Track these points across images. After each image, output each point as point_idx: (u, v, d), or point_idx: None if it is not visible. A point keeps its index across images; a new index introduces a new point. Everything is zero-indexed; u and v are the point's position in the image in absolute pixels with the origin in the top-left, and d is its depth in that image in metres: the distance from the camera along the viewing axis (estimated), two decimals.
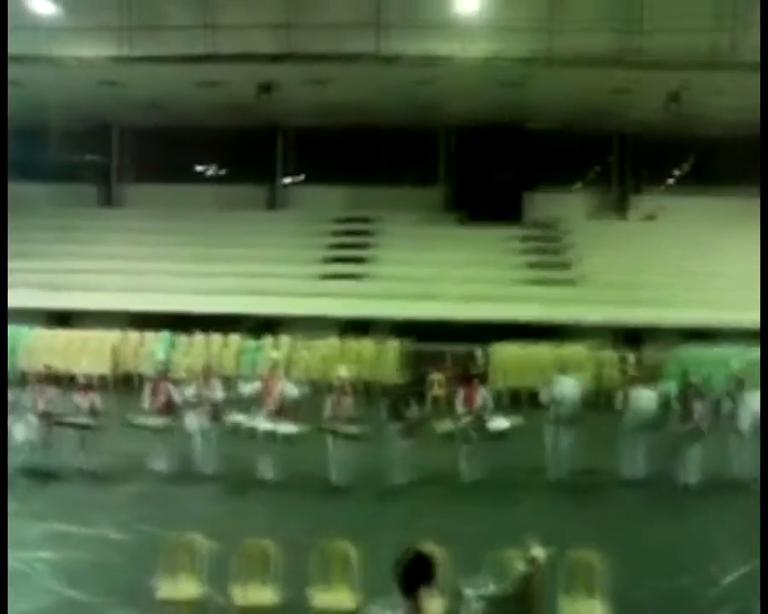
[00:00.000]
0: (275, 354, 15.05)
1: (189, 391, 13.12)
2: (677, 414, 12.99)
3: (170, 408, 13.04)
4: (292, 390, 12.98)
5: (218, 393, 13.11)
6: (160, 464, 12.78)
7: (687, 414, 12.86)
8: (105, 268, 22.90)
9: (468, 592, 6.06)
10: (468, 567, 6.60)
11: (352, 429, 12.39)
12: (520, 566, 6.04)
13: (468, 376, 13.51)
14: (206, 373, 13.37)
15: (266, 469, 12.44)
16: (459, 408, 12.90)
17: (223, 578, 7.59)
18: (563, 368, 13.92)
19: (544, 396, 13.32)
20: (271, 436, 12.35)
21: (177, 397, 13.12)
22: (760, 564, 3.47)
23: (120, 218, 26.29)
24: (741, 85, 20.32)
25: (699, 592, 8.79)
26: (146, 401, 13.14)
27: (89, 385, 13.30)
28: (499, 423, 12.83)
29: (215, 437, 12.94)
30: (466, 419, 12.66)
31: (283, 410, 12.66)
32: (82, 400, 12.99)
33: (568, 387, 13.22)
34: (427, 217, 25.89)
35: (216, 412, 12.92)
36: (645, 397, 13.17)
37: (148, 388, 13.35)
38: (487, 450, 12.66)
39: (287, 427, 12.42)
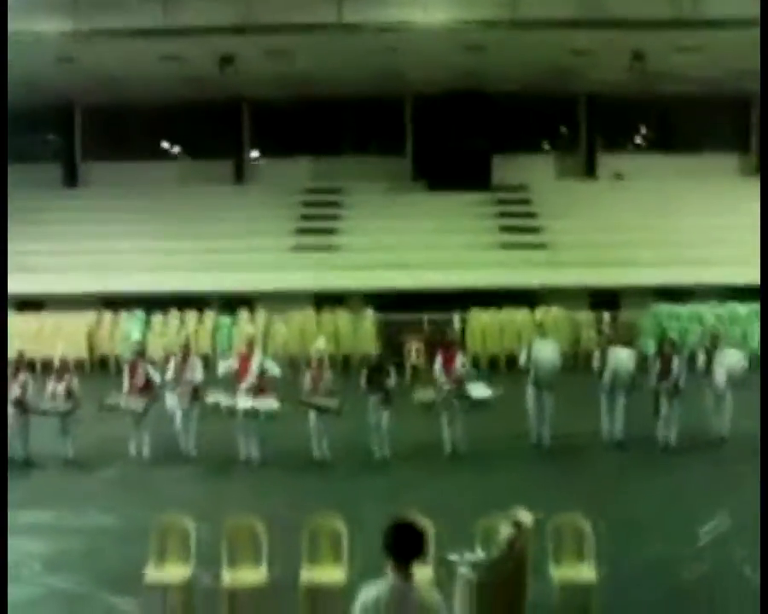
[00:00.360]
0: (250, 329, 14.78)
1: (169, 372, 12.90)
2: (656, 372, 13.02)
3: (149, 389, 12.89)
4: (274, 369, 12.79)
5: (198, 373, 12.90)
6: (140, 447, 12.68)
7: (664, 371, 12.89)
8: (74, 249, 22.63)
9: (454, 558, 6.10)
10: (455, 536, 6.69)
11: (332, 403, 12.25)
12: (505, 531, 6.09)
13: (446, 342, 13.33)
14: (185, 352, 13.07)
15: (248, 447, 12.35)
16: (438, 375, 12.76)
17: (210, 559, 7.59)
18: (541, 332, 13.87)
19: (523, 360, 13.20)
20: (253, 414, 12.23)
21: (155, 378, 13.00)
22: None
23: (87, 198, 25.91)
24: (704, 42, 20.40)
25: (680, 548, 8.95)
26: (125, 383, 12.91)
27: (64, 370, 13.09)
28: (481, 391, 12.76)
29: (195, 416, 12.80)
30: (446, 387, 12.54)
31: (262, 387, 12.48)
32: (58, 385, 12.81)
33: (547, 351, 13.11)
34: (396, 185, 25.82)
35: (195, 391, 12.72)
36: (622, 356, 13.11)
37: (126, 370, 13.16)
38: (468, 418, 12.68)
39: (268, 404, 12.27)
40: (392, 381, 12.55)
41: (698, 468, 11.96)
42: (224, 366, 12.96)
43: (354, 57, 22.25)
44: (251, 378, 12.38)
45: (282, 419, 12.46)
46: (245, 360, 12.59)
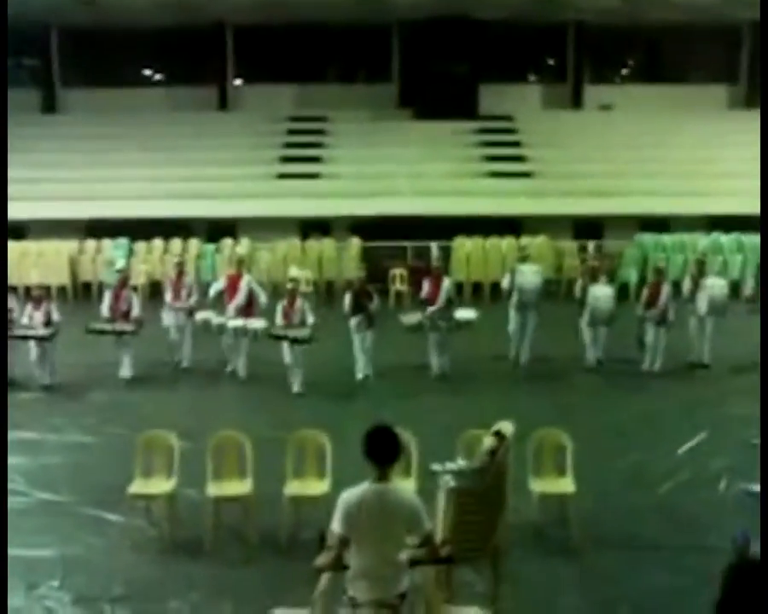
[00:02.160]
0: (241, 249, 14.83)
1: (166, 293, 13.32)
2: (643, 300, 12.94)
3: (131, 316, 12.65)
4: (261, 296, 13.01)
5: (193, 293, 13.28)
6: (125, 370, 12.66)
7: (651, 300, 12.79)
8: (55, 176, 22.25)
9: (437, 467, 6.20)
10: (438, 449, 6.80)
11: (303, 333, 11.83)
12: (487, 441, 6.18)
13: (432, 269, 13.38)
14: (179, 274, 13.44)
15: (235, 363, 12.64)
16: (425, 298, 12.91)
17: (197, 474, 7.69)
18: (523, 257, 13.88)
19: (505, 284, 13.36)
20: (242, 331, 12.41)
21: (137, 305, 12.83)
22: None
23: (66, 124, 25.42)
24: None
25: (655, 463, 9.16)
26: (104, 309, 12.73)
27: (42, 297, 12.80)
28: (466, 313, 12.99)
29: (189, 332, 13.15)
30: (433, 310, 12.68)
31: (250, 307, 12.77)
32: (35, 312, 12.48)
33: (529, 275, 13.22)
34: (381, 113, 25.45)
35: (190, 310, 13.10)
36: (603, 294, 13.01)
37: (109, 296, 12.88)
38: (454, 341, 12.83)
39: (256, 323, 12.45)
40: (374, 304, 12.65)
41: (675, 392, 12.12)
42: (214, 287, 13.27)
43: None
44: (240, 298, 12.68)
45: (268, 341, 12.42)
46: (234, 281, 12.90)
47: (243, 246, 19.22)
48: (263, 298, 13.03)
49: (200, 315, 12.77)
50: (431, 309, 12.70)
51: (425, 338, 12.81)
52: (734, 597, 3.38)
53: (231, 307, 12.70)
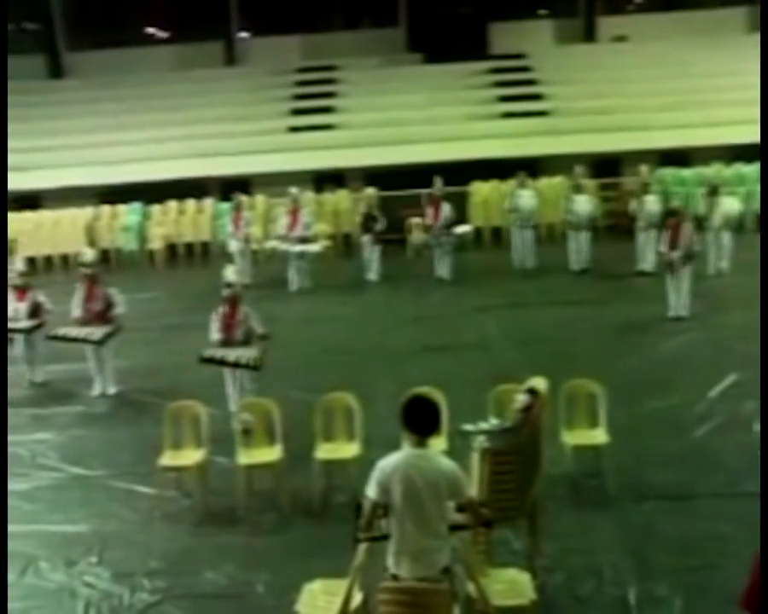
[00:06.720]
0: (294, 190, 16.33)
1: (228, 225, 16.86)
2: (666, 241, 12.51)
3: (107, 317, 10.54)
4: (312, 225, 16.29)
5: (253, 225, 17.07)
6: (104, 384, 10.77)
7: (673, 240, 12.31)
8: (67, 143, 22.09)
9: (468, 427, 6.11)
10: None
11: (248, 354, 8.86)
12: (520, 398, 6.07)
13: (434, 199, 15.94)
14: (239, 208, 16.50)
15: (300, 280, 15.60)
16: (428, 222, 15.85)
17: (228, 441, 7.67)
18: (521, 184, 16.48)
19: (507, 205, 16.53)
20: (301, 255, 15.55)
21: (118, 302, 10.65)
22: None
23: (74, 89, 25.16)
24: None
25: (687, 408, 9.01)
26: (74, 307, 10.56)
27: (27, 285, 11.32)
28: (462, 227, 16.13)
29: (249, 258, 16.40)
30: (435, 229, 15.62)
31: (307, 236, 15.76)
32: (21, 303, 11.04)
33: (526, 198, 16.27)
34: (391, 59, 24.98)
35: (248, 239, 16.44)
36: (581, 200, 15.95)
37: (80, 291, 10.65)
38: (456, 254, 15.93)
39: (314, 247, 15.69)
40: (380, 225, 16.07)
41: (703, 331, 11.91)
42: (280, 224, 16.02)
43: None
44: (299, 229, 15.59)
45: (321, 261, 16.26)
46: (294, 215, 15.81)
47: (253, 208, 19.67)
48: (312, 227, 16.17)
49: (269, 243, 16.37)
50: (433, 229, 15.62)
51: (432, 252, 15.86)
52: None
53: (293, 236, 15.52)
